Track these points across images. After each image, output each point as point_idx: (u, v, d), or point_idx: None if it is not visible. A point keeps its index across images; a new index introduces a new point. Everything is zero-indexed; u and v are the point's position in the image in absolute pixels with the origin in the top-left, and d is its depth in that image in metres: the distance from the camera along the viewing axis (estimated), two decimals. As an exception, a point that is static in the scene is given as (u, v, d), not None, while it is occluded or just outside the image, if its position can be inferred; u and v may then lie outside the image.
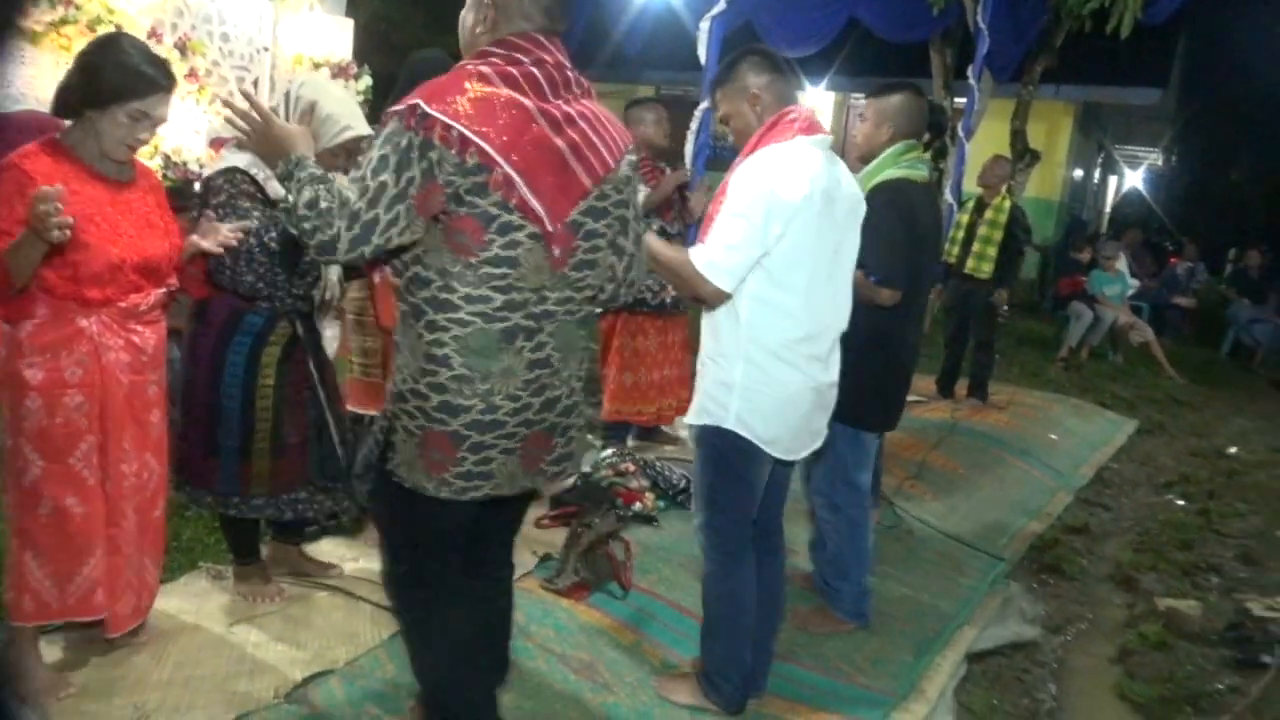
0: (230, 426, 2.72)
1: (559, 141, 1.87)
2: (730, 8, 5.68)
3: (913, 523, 4.35)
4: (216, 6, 5.58)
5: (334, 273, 2.86)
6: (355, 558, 3.28)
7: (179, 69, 5.36)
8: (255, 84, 5.93)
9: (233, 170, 2.63)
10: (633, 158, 2.06)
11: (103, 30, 4.85)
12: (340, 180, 1.79)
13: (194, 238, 2.50)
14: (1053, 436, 6.07)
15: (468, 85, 1.81)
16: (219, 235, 2.47)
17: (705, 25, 5.46)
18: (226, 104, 2.00)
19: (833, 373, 2.62)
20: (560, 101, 1.89)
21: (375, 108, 2.64)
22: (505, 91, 1.83)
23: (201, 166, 5.49)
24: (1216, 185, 18.23)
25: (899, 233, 3.06)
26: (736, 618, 2.62)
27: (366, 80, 6.37)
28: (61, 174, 2.22)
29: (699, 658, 2.74)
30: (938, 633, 3.37)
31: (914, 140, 3.27)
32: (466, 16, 1.97)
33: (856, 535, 3.25)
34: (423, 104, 1.77)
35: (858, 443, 3.21)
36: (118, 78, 2.25)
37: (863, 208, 2.65)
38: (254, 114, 1.91)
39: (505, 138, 1.80)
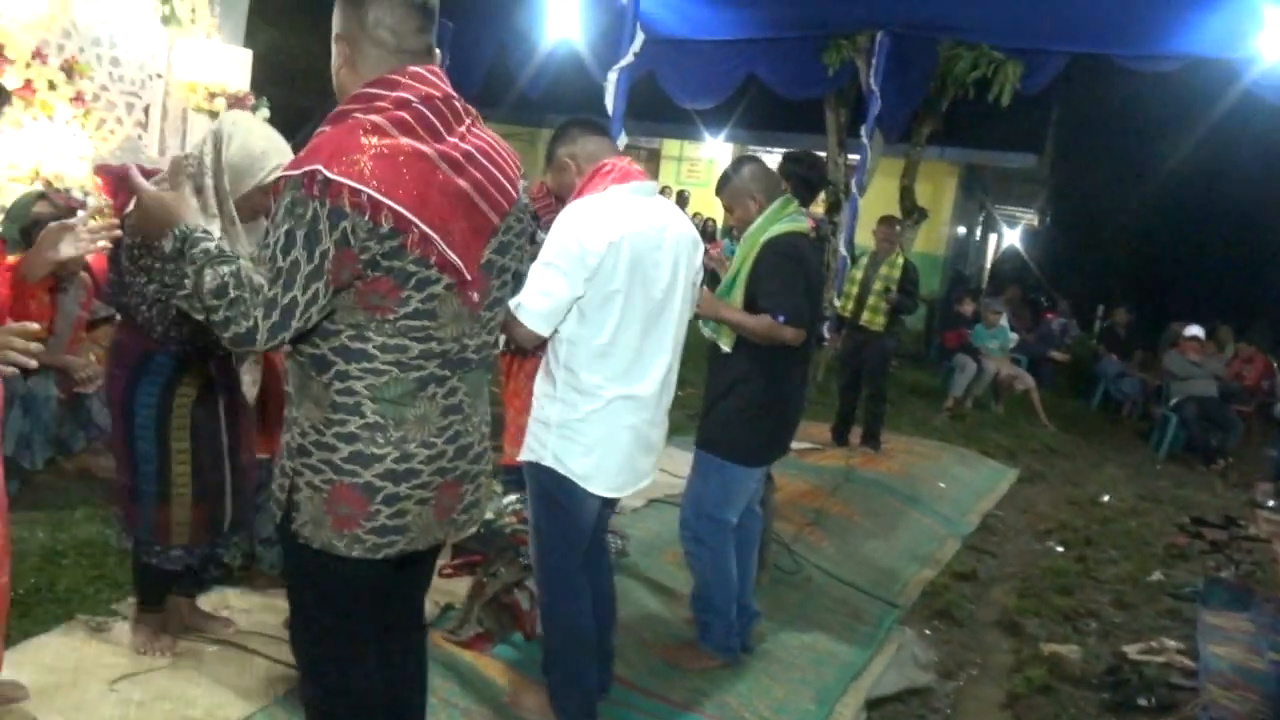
0: (147, 471, 2.62)
1: (463, 183, 1.79)
2: (635, 59, 5.79)
3: (811, 570, 4.42)
4: (107, 29, 5.38)
5: None
6: (248, 609, 3.13)
7: (65, 91, 5.15)
8: (146, 111, 5.73)
9: None
10: (525, 181, 2.04)
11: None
12: (245, 264, 1.67)
13: (49, 250, 2.21)
14: (941, 484, 6.28)
15: (364, 140, 1.68)
16: (86, 242, 2.22)
17: (613, 76, 5.54)
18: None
19: (655, 413, 2.68)
20: (455, 139, 1.81)
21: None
22: (404, 141, 1.72)
23: (85, 194, 5.26)
24: (1085, 245, 19.33)
25: (795, 278, 3.16)
26: (576, 646, 2.70)
27: (264, 112, 6.21)
28: None
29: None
30: (838, 679, 3.42)
31: (787, 196, 3.35)
32: (333, 58, 1.85)
33: (721, 569, 3.28)
34: (323, 169, 1.64)
35: (725, 476, 3.25)
36: None
37: (700, 248, 2.78)
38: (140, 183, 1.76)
39: (415, 194, 1.70)
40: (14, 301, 2.21)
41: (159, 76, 5.75)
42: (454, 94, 1.84)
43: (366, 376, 1.77)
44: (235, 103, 5.99)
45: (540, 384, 2.60)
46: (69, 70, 5.16)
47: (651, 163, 16.17)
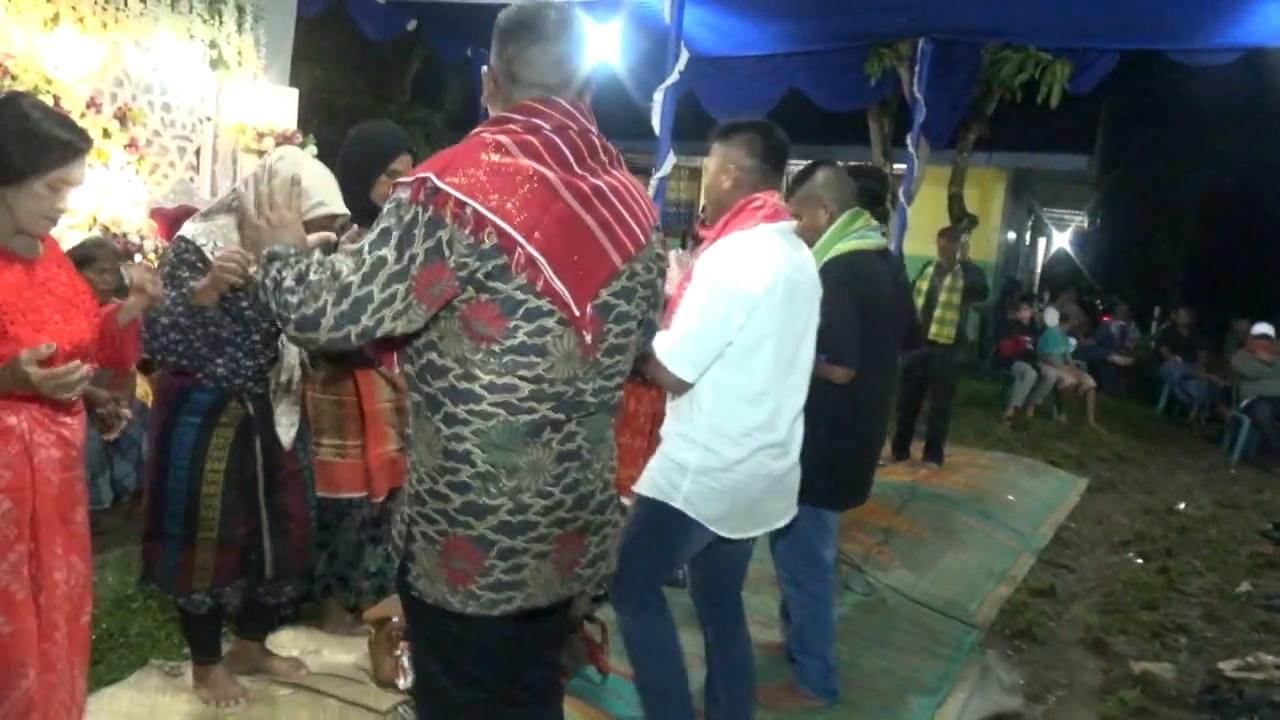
0: (175, 512, 2.58)
1: (587, 217, 1.70)
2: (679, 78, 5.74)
3: (884, 591, 4.29)
4: (158, 76, 5.47)
5: (293, 355, 2.72)
6: (318, 649, 3.09)
7: (119, 139, 5.23)
8: (197, 153, 5.81)
9: (180, 239, 2.56)
10: (659, 234, 1.93)
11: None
12: (336, 254, 1.64)
13: (132, 298, 2.33)
14: (1010, 497, 6.10)
15: (483, 156, 1.64)
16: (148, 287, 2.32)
17: (659, 96, 5.50)
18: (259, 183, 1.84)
19: (792, 457, 2.60)
20: (587, 173, 1.73)
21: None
22: (526, 162, 1.65)
23: (142, 238, 5.32)
24: (1139, 245, 18.91)
25: (849, 310, 2.97)
26: (669, 671, 2.58)
27: (311, 149, 6.27)
28: None
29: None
30: (923, 707, 3.29)
31: (858, 208, 3.19)
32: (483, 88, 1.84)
33: (820, 610, 3.18)
34: (433, 177, 1.60)
35: (819, 519, 3.14)
36: (33, 146, 2.01)
37: (820, 289, 2.65)
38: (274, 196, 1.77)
39: (526, 214, 1.62)
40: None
41: (209, 120, 5.83)
42: (593, 130, 1.78)
43: (474, 420, 1.69)
44: (283, 141, 6.06)
45: (674, 423, 2.49)
46: (123, 118, 5.24)
47: (695, 181, 16.11)
